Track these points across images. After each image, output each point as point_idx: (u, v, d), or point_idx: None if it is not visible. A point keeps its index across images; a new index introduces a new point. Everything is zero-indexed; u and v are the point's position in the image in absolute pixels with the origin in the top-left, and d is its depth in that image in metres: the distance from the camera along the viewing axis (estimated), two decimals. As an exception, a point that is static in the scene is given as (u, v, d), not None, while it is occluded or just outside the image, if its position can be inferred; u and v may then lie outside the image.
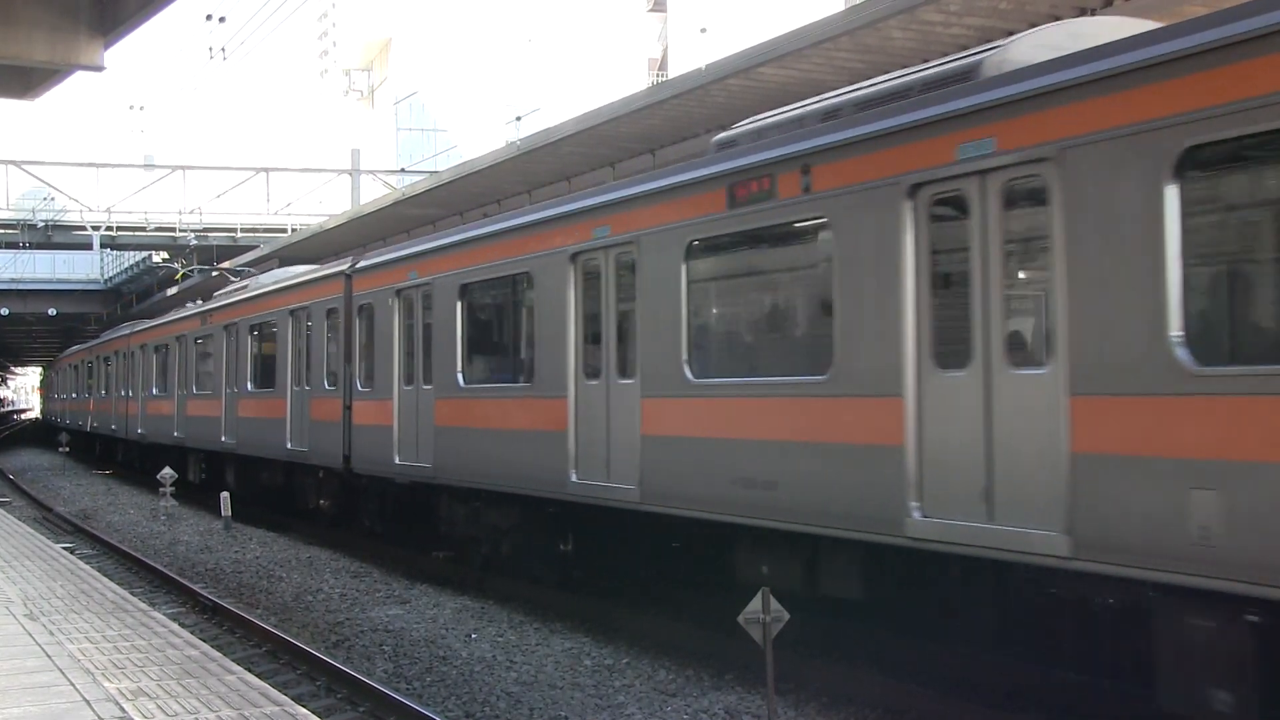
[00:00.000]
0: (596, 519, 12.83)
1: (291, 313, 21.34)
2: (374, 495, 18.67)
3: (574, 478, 12.75)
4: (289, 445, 21.10)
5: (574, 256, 12.85)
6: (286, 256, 36.90)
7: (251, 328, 23.89)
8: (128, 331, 38.39)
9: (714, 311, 11.80)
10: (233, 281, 29.93)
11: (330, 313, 19.44)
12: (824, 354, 9.55)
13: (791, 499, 9.78)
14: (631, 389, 11.96)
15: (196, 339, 28.41)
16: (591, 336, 12.71)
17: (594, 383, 12.57)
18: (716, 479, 10.69)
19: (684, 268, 11.21)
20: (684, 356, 11.18)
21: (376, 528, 18.82)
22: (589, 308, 12.74)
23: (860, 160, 9.26)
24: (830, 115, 10.22)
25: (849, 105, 10.12)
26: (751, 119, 11.77)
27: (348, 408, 18.45)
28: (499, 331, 15.44)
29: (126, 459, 39.83)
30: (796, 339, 10.73)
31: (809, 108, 10.79)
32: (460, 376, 15.12)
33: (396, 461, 16.55)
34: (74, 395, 51.81)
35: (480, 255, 14.81)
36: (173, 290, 48.33)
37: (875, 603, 9.78)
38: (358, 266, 18.58)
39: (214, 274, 40.92)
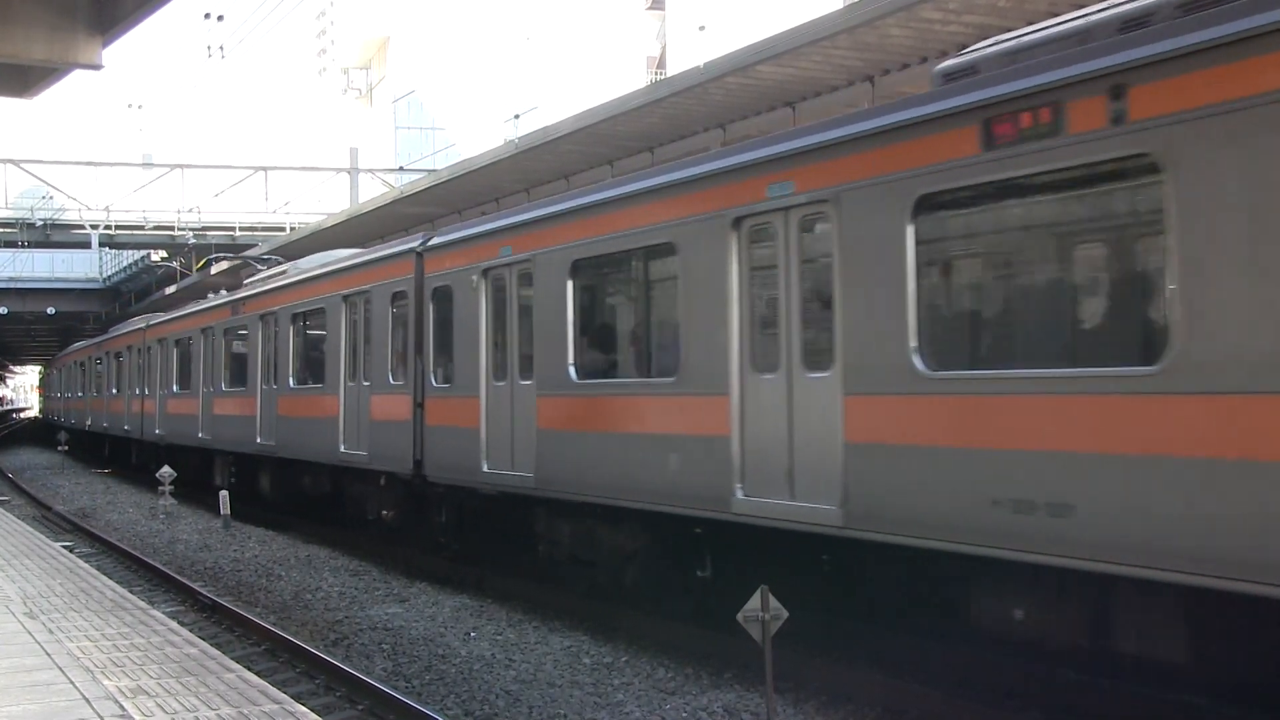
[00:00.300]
0: (766, 545, 10.44)
1: (345, 298, 18.70)
2: (451, 507, 16.17)
3: (741, 494, 10.31)
4: (342, 448, 18.57)
5: (738, 221, 10.46)
6: (287, 254, 36.88)
7: (294, 317, 21.32)
8: (142, 325, 35.56)
9: (962, 286, 9.32)
10: (260, 269, 27.25)
11: (396, 297, 16.91)
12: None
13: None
14: (827, 384, 9.53)
15: (226, 331, 25.72)
16: (762, 320, 10.42)
17: (769, 377, 10.11)
18: (967, 497, 8.36)
19: (910, 230, 8.83)
20: (912, 343, 8.79)
21: (453, 545, 16.37)
22: (758, 285, 10.57)
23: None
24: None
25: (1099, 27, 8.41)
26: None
27: (419, 406, 16.10)
28: (627, 316, 13.10)
29: (141, 462, 35.95)
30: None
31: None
32: (572, 371, 12.83)
33: (485, 469, 14.36)
34: (79, 394, 48.99)
35: (600, 224, 12.47)
36: (191, 280, 47.38)
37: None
38: (431, 243, 16.16)
39: (236, 265, 40.23)
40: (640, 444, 11.67)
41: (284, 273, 23.40)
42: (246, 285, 25.72)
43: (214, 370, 26.47)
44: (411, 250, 16.52)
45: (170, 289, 50.31)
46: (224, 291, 30.58)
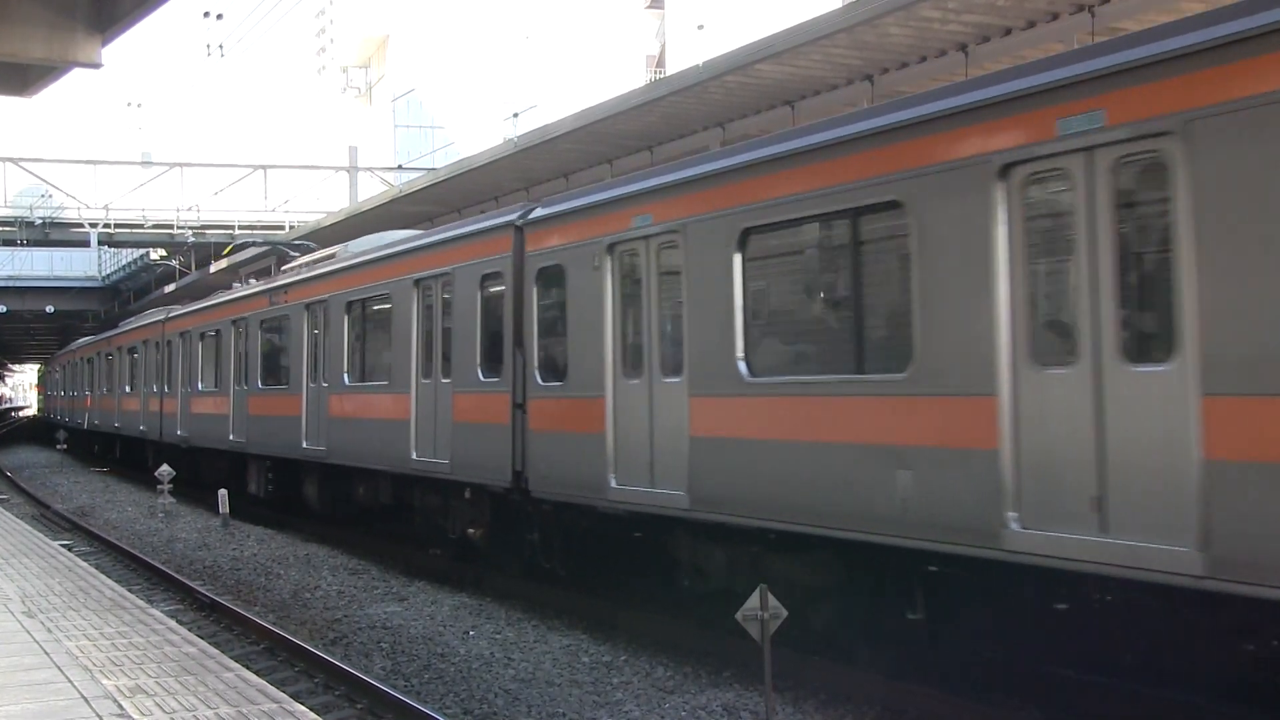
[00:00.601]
0: (1053, 588, 8.37)
1: (418, 283, 16.25)
2: (559, 527, 13.85)
3: (1016, 524, 8.06)
4: (414, 455, 16.11)
5: (1006, 170, 8.24)
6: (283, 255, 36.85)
7: (349, 305, 18.76)
8: (161, 317, 32.83)
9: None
10: (294, 257, 24.91)
11: (488, 279, 14.53)
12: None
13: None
14: (1169, 381, 7.32)
15: (263, 322, 23.06)
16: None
17: (1061, 372, 7.93)
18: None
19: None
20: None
21: (560, 570, 14.03)
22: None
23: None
24: None
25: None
26: None
27: (519, 407, 13.76)
28: (821, 297, 10.57)
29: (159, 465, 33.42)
30: None
31: None
32: (743, 366, 10.50)
33: (612, 485, 12.08)
34: (87, 392, 46.09)
35: (779, 182, 10.16)
36: (219, 265, 46.85)
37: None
38: (535, 216, 13.82)
39: (237, 263, 39.83)
40: (853, 459, 9.40)
41: (332, 256, 20.85)
42: (285, 272, 23.21)
43: (248, 366, 23.90)
44: (508, 224, 14.15)
45: (170, 287, 50.29)
46: (251, 280, 28.68)
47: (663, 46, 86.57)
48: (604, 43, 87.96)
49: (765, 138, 11.15)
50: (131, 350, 36.44)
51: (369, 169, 48.69)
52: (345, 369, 18.82)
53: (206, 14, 35.92)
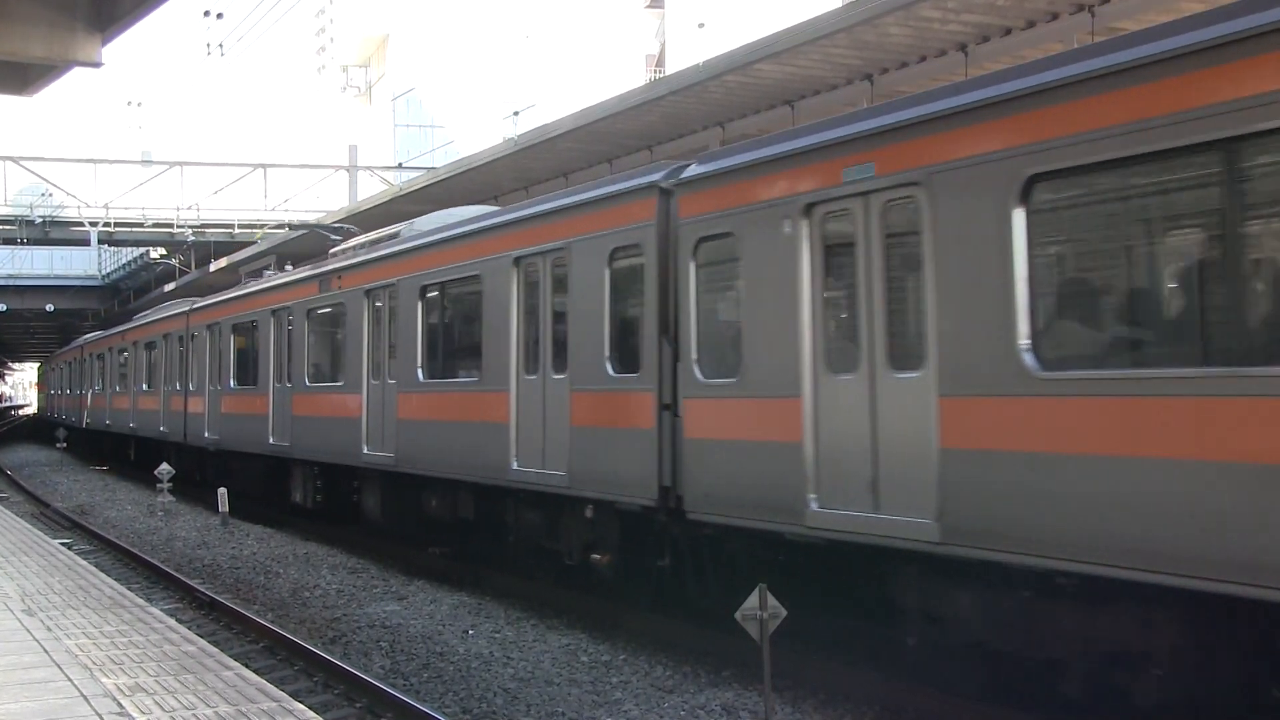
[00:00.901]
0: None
1: (519, 260, 13.97)
2: (721, 557, 11.38)
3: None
4: (514, 465, 13.82)
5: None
6: (283, 253, 36.86)
7: (423, 289, 16.32)
8: (185, 309, 30.12)
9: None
10: (336, 240, 22.73)
11: (619, 254, 12.27)
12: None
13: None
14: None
15: (310, 312, 20.65)
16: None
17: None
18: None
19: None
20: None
21: (720, 609, 10.41)
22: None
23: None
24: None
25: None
26: None
27: (667, 408, 11.46)
28: (1163, 268, 8.07)
29: (183, 471, 28.73)
30: None
31: None
32: (1029, 359, 8.10)
33: (814, 507, 9.70)
34: (97, 390, 43.30)
35: (1085, 111, 7.74)
36: (191, 277, 46.69)
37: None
38: (690, 174, 11.43)
39: (238, 261, 39.55)
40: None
41: (395, 236, 18.53)
42: (336, 256, 20.83)
43: (292, 361, 21.31)
44: (650, 186, 11.85)
45: (169, 286, 50.29)
46: (288, 267, 26.15)
47: (663, 46, 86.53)
48: (604, 42, 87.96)
49: (1115, 40, 8.16)
50: (149, 345, 33.87)
51: (369, 168, 48.72)
52: (419, 364, 16.36)
53: (206, 13, 35.90)
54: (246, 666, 9.70)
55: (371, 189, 44.38)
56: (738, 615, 8.81)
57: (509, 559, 15.17)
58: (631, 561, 12.56)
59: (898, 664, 9.93)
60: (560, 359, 13.21)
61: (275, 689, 8.58)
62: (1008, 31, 15.99)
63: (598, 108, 22.52)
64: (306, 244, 37.89)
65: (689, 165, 11.76)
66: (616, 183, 12.76)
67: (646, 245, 11.80)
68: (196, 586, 15.77)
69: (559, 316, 13.33)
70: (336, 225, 26.70)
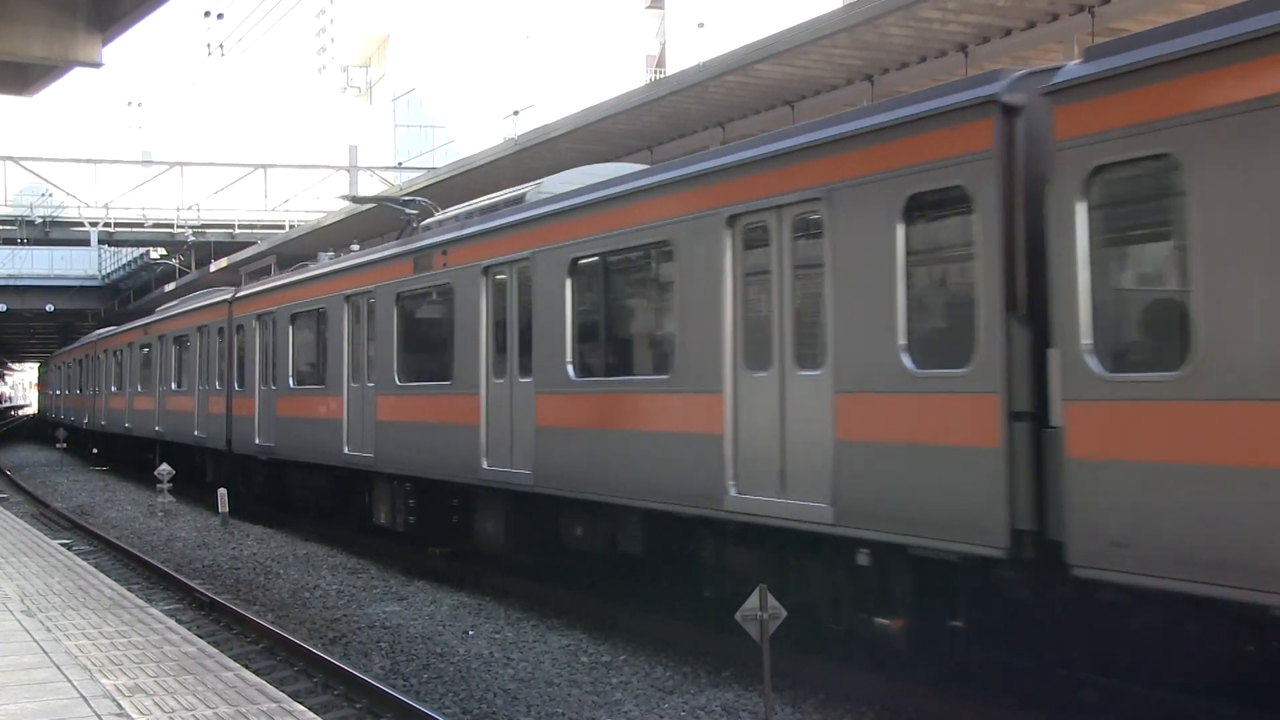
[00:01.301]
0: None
1: (733, 219, 10.59)
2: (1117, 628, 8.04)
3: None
4: (732, 491, 10.40)
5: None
6: (283, 253, 36.86)
7: (574, 263, 12.96)
8: (226, 297, 26.07)
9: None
10: (411, 214, 20.35)
11: (920, 201, 8.94)
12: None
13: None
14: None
15: (400, 296, 16.98)
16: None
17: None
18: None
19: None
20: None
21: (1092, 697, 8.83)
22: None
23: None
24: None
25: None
26: None
27: (1019, 417, 8.14)
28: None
29: (219, 479, 25.51)
30: None
31: None
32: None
33: None
34: (112, 390, 39.53)
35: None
36: (192, 277, 46.37)
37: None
38: (1077, 75, 7.78)
39: (263, 253, 39.05)
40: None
41: (521, 200, 15.03)
42: (427, 229, 17.69)
43: (376, 356, 17.70)
44: (985, 100, 8.35)
45: (169, 285, 50.31)
46: (356, 246, 22.92)
47: (663, 46, 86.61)
48: (604, 43, 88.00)
49: None
50: (180, 339, 29.88)
51: (369, 168, 48.76)
52: (569, 359, 13.03)
53: (207, 14, 35.92)
54: (246, 667, 9.70)
55: (371, 189, 44.40)
56: (738, 615, 8.81)
57: (703, 616, 11.62)
58: (935, 629, 9.13)
59: (897, 664, 9.93)
60: (815, 352, 9.78)
61: (275, 689, 8.57)
62: (1008, 32, 15.98)
63: (598, 108, 22.52)
64: (306, 245, 37.91)
65: (1059, 67, 8.24)
66: (919, 103, 9.00)
67: (979, 185, 8.35)
68: (196, 587, 15.77)
69: (802, 295, 9.99)
70: (405, 198, 22.56)
